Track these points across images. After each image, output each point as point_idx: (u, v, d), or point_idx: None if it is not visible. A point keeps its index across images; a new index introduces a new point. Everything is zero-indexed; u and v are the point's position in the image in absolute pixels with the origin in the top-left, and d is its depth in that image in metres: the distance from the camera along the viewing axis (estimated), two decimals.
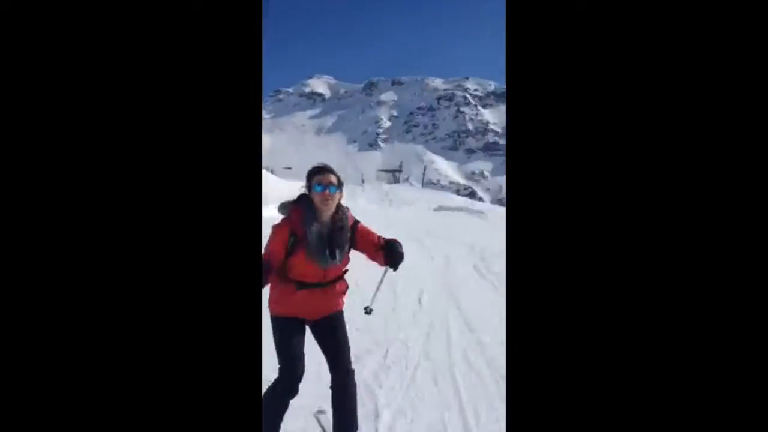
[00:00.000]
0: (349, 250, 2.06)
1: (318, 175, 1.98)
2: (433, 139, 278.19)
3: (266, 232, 1.86)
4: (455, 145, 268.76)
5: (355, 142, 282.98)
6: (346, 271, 2.10)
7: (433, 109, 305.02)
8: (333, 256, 1.96)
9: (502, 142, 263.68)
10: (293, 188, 2.25)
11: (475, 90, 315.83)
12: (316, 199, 1.96)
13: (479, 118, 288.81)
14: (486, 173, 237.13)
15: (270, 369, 2.09)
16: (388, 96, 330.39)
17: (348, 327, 2.16)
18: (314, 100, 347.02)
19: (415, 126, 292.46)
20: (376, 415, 2.50)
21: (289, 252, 1.95)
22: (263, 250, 1.89)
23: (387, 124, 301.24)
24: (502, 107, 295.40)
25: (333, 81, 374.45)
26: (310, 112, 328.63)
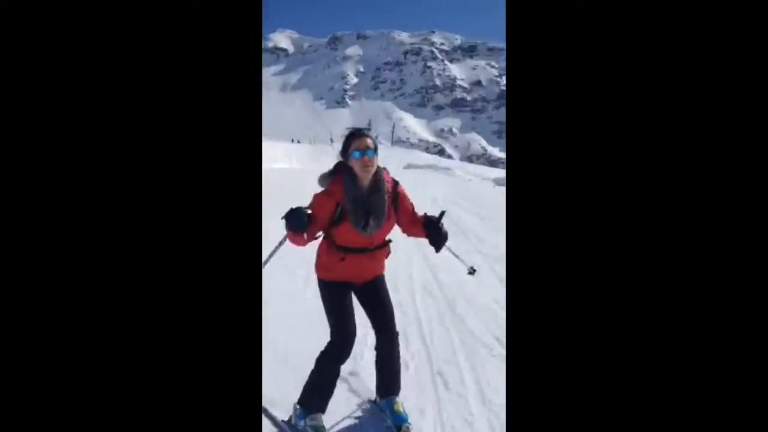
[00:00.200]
0: (392, 213, 2.04)
1: (355, 140, 1.93)
2: (402, 95, 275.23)
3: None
4: (423, 101, 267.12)
5: (321, 99, 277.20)
6: (390, 241, 2.10)
7: (401, 64, 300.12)
8: (377, 225, 1.95)
9: (470, 97, 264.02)
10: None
11: (442, 44, 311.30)
12: (356, 166, 1.92)
13: (447, 73, 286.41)
14: (455, 130, 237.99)
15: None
16: (354, 50, 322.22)
17: None
18: (277, 56, 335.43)
19: (383, 82, 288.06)
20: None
21: (335, 222, 1.95)
22: (309, 210, 1.91)
23: (354, 80, 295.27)
24: (469, 62, 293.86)
25: (296, 35, 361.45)
26: (273, 68, 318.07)
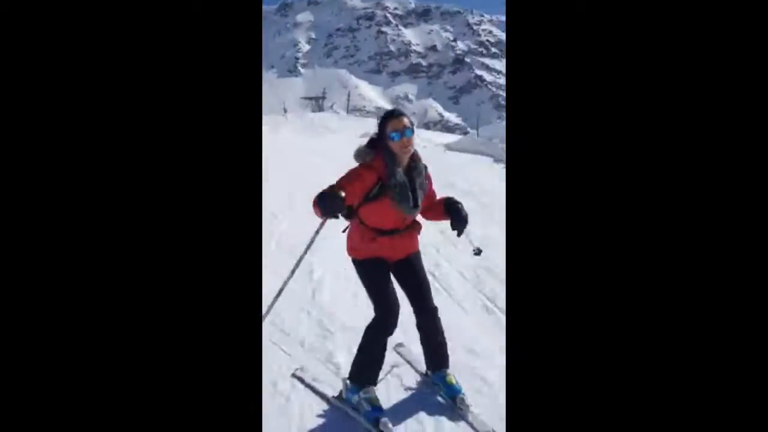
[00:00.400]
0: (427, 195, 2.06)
1: (392, 121, 1.91)
2: (356, 62, 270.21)
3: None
4: (378, 68, 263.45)
5: (273, 68, 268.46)
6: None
7: (353, 30, 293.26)
8: (416, 204, 1.96)
9: (425, 63, 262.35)
10: None
11: (395, 9, 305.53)
12: (395, 147, 1.91)
13: (401, 38, 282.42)
14: (411, 96, 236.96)
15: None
16: (305, 17, 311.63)
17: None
18: None
19: (336, 49, 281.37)
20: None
21: (370, 199, 1.92)
22: (336, 187, 1.86)
23: (306, 47, 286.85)
24: (424, 26, 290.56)
25: None
26: None
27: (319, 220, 1.97)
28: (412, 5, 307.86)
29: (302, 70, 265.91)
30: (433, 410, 2.13)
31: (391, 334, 2.02)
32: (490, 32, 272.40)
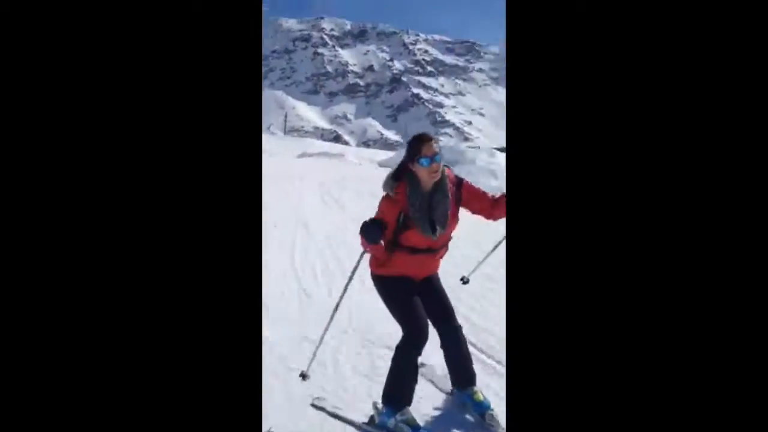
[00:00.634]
0: (457, 210, 2.05)
1: (423, 146, 1.91)
2: (293, 83, 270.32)
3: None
4: (316, 88, 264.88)
5: None
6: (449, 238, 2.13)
7: (290, 52, 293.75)
8: (442, 227, 1.97)
9: (363, 83, 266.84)
10: None
11: (332, 30, 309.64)
12: (423, 173, 1.92)
13: (338, 59, 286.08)
14: (349, 116, 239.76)
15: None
16: None
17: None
18: None
19: (272, 71, 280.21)
20: None
21: (401, 228, 1.96)
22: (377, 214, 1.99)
23: None
24: (360, 47, 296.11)
25: None
26: None
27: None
28: (348, 26, 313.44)
29: None
30: (465, 428, 2.10)
31: (420, 351, 2.00)
32: (426, 51, 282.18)
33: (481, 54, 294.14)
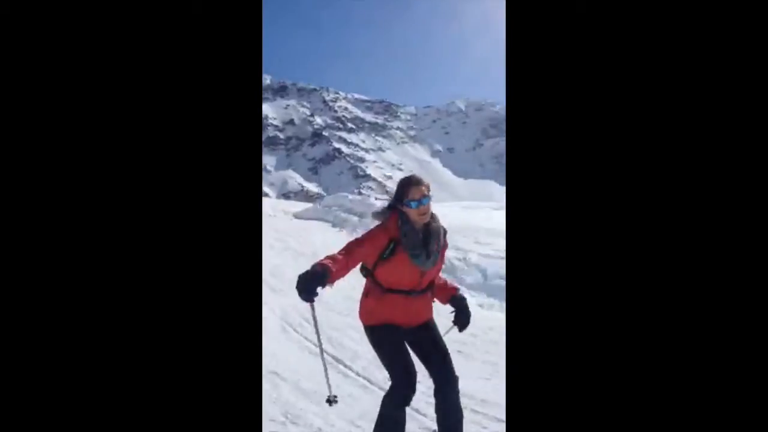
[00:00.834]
0: (443, 254, 2.06)
1: (411, 190, 1.94)
2: None
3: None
4: None
5: None
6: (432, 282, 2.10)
7: None
8: (434, 259, 1.96)
9: (283, 136, 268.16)
10: None
11: None
12: (413, 214, 1.94)
13: None
14: (270, 168, 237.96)
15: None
16: None
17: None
18: None
19: None
20: None
21: (385, 257, 1.93)
22: (324, 260, 1.80)
23: None
24: (280, 101, 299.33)
25: None
26: None
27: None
28: (268, 81, 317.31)
29: None
30: None
31: (408, 404, 1.96)
32: (346, 108, 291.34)
33: (398, 113, 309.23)
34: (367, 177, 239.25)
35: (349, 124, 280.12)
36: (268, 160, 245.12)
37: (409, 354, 2.01)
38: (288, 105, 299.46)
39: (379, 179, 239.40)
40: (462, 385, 2.01)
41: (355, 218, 12.19)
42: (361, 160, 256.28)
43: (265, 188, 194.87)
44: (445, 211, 11.63)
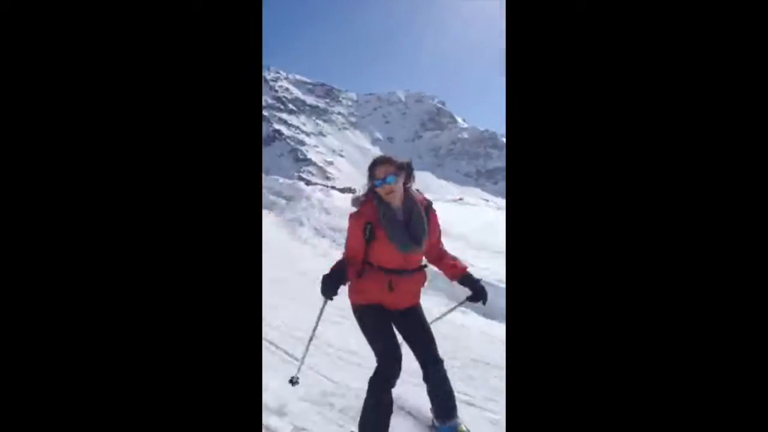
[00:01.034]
0: (432, 232, 2.05)
1: (374, 169, 1.97)
2: None
3: None
4: None
5: None
6: (425, 266, 2.10)
7: None
8: (414, 240, 1.95)
9: None
10: None
11: None
12: (381, 193, 1.96)
13: None
14: None
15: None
16: None
17: None
18: None
19: None
20: None
21: (368, 240, 1.95)
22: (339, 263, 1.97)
23: None
24: None
25: None
26: None
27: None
28: None
29: None
30: None
31: (393, 385, 1.97)
32: (287, 89, 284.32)
33: (340, 98, 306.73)
34: (307, 161, 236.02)
35: (290, 106, 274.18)
36: None
37: (394, 335, 2.04)
38: None
39: (320, 164, 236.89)
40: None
41: (283, 201, 12.05)
42: (302, 143, 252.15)
43: None
44: None
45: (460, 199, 21.31)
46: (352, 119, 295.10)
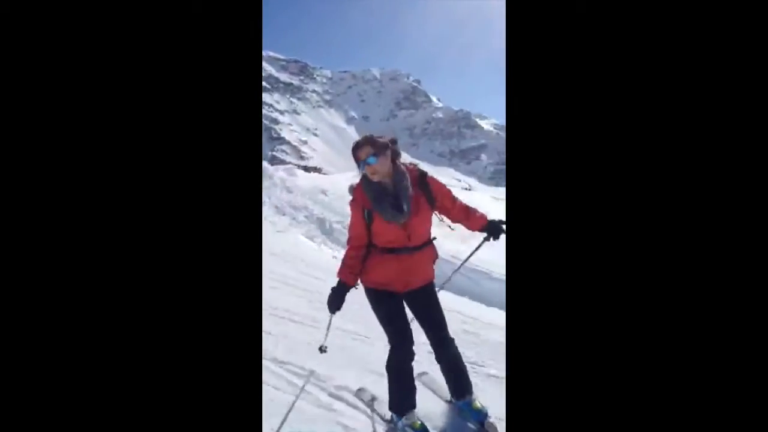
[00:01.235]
0: (424, 204, 2.04)
1: (357, 152, 1.99)
2: None
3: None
4: None
5: None
6: (434, 238, 2.13)
7: None
8: (400, 209, 1.97)
9: None
10: None
11: None
12: (367, 174, 1.99)
13: None
14: None
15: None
16: None
17: None
18: None
19: None
20: None
21: (369, 223, 2.01)
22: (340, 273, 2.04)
23: None
24: None
25: None
26: None
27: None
28: None
29: None
30: None
31: (408, 362, 2.06)
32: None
33: (314, 76, 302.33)
34: (281, 140, 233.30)
35: (264, 83, 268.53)
36: None
37: (403, 318, 2.08)
38: None
39: (294, 143, 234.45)
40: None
41: None
42: (275, 121, 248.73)
43: None
44: (347, 180, 12.25)
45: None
46: (327, 97, 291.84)
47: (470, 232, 2.23)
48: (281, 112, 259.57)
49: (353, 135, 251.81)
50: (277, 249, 6.27)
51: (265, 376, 2.44)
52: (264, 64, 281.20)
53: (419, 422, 2.08)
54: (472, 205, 2.26)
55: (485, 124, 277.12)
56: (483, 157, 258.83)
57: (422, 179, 2.06)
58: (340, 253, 7.76)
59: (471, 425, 2.15)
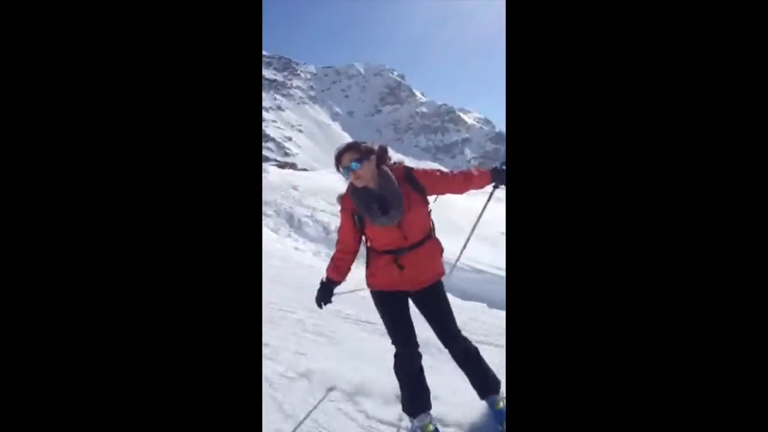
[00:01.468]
0: (417, 201, 2.00)
1: (340, 159, 1.97)
2: None
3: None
4: None
5: None
6: (430, 236, 2.07)
7: None
8: (397, 212, 1.92)
9: None
10: None
11: None
12: (352, 180, 1.97)
13: None
14: None
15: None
16: None
17: None
18: None
19: None
20: None
21: (361, 228, 2.00)
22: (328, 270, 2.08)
23: None
24: None
25: None
26: None
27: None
28: None
29: None
30: None
31: (414, 363, 2.05)
32: None
33: (298, 72, 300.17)
34: (266, 137, 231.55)
35: None
36: None
37: (407, 320, 2.05)
38: None
39: (279, 140, 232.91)
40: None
41: None
42: None
43: None
44: (319, 176, 12.54)
45: None
46: (311, 93, 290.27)
47: (481, 189, 2.15)
48: (265, 109, 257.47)
49: (338, 131, 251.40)
50: None
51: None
52: None
53: (432, 425, 2.04)
54: (456, 197, 2.22)
55: (468, 118, 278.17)
56: (467, 151, 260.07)
57: (408, 174, 2.02)
58: (305, 245, 8.17)
59: (499, 426, 2.07)
